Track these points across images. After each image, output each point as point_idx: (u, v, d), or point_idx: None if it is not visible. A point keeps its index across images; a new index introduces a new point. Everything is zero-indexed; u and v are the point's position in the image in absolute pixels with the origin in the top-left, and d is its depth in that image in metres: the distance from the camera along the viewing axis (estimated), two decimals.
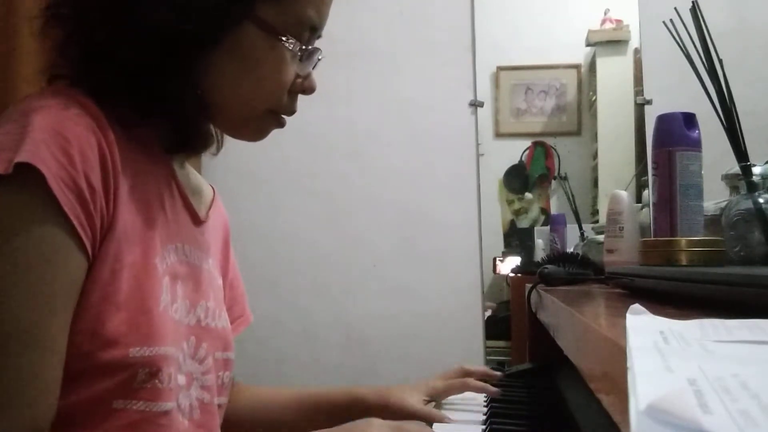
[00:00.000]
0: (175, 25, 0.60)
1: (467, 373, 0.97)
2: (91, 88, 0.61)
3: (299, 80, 0.69)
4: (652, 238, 0.79)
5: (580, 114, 2.14)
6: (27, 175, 0.52)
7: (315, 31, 0.68)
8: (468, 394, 0.96)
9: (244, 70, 0.65)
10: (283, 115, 0.71)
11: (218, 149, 0.79)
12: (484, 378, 0.98)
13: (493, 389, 0.92)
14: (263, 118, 0.70)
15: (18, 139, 0.53)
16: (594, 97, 2.10)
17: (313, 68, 0.71)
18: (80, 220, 0.54)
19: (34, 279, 0.52)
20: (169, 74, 0.62)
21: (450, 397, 0.95)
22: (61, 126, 0.55)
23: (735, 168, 0.78)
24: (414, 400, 0.88)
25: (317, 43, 0.71)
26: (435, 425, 0.86)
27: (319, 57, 0.71)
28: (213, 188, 0.85)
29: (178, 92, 0.63)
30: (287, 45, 0.65)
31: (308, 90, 0.71)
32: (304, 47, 0.67)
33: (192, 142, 0.70)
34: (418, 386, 0.91)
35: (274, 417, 0.91)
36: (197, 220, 0.74)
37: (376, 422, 0.70)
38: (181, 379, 0.64)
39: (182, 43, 0.61)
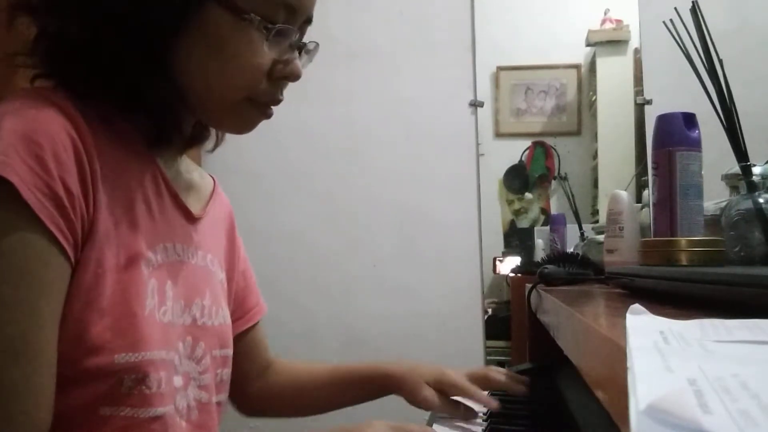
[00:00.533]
0: (138, 14, 0.59)
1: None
2: (64, 84, 0.60)
3: (279, 66, 0.65)
4: (652, 238, 0.79)
5: (580, 114, 2.14)
6: None
7: (293, 12, 0.64)
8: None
9: (212, 53, 0.62)
10: (269, 106, 0.67)
11: (216, 145, 0.78)
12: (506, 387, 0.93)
13: (519, 387, 0.90)
14: (242, 106, 0.65)
15: None
16: (594, 97, 2.10)
17: (300, 54, 0.68)
18: (59, 227, 0.53)
19: (16, 291, 0.51)
20: (138, 65, 0.60)
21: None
22: (33, 130, 0.53)
23: (735, 168, 0.78)
24: (427, 392, 0.86)
25: (315, 38, 0.69)
26: (435, 425, 0.86)
27: (304, 42, 0.68)
28: (213, 179, 0.83)
29: (151, 83, 0.61)
30: (253, 23, 0.61)
31: (290, 76, 0.65)
32: (270, 25, 0.62)
33: (170, 135, 0.67)
34: (433, 372, 0.88)
35: (311, 396, 0.94)
36: (190, 217, 0.72)
37: (377, 423, 0.70)
38: (178, 381, 0.63)
39: (147, 32, 0.60)
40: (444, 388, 0.88)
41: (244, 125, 0.68)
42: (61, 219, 0.53)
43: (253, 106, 0.66)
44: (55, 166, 0.53)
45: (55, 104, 0.56)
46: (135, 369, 0.57)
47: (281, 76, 0.65)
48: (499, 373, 0.92)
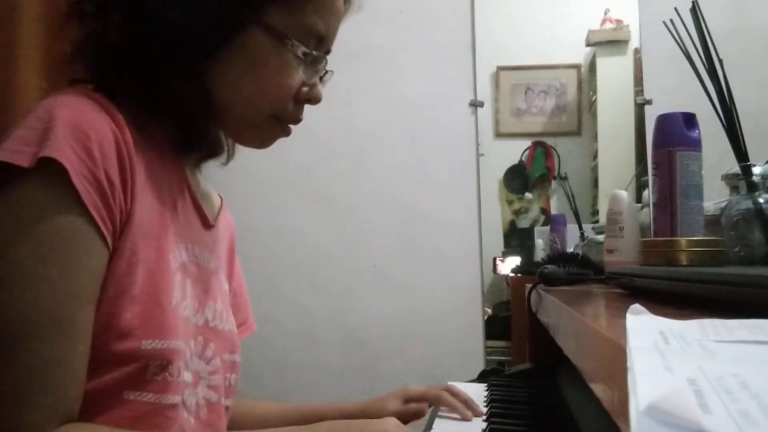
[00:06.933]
0: (186, 26, 0.63)
1: (452, 394, 0.94)
2: (105, 85, 0.64)
3: (305, 89, 0.70)
4: (652, 238, 0.79)
5: (580, 114, 2.15)
6: (50, 169, 0.54)
7: (322, 41, 0.70)
8: (469, 394, 0.96)
9: (249, 71, 0.67)
10: (289, 125, 0.72)
11: (228, 159, 0.81)
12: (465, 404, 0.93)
13: (467, 413, 0.89)
14: (268, 123, 0.70)
15: (42, 134, 0.55)
16: (594, 97, 2.10)
17: (321, 79, 0.73)
18: (101, 213, 0.56)
19: (58, 269, 0.54)
20: (177, 73, 0.65)
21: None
22: (82, 123, 0.57)
23: (735, 168, 0.78)
24: (391, 404, 0.92)
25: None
26: (435, 424, 0.86)
27: (326, 69, 0.73)
28: (221, 197, 0.87)
29: (186, 91, 0.65)
30: (292, 49, 0.67)
31: (313, 99, 0.72)
32: (307, 51, 0.68)
33: (198, 142, 0.71)
34: (396, 392, 0.94)
35: None
36: (207, 224, 0.76)
37: (391, 421, 0.70)
38: (187, 376, 0.65)
39: (192, 44, 0.64)
40: (412, 398, 0.92)
41: (265, 141, 0.73)
42: (103, 207, 0.57)
43: (276, 123, 0.71)
44: (100, 156, 0.57)
45: (100, 103, 0.60)
46: (160, 355, 0.60)
47: (305, 98, 0.71)
48: (452, 396, 0.91)
